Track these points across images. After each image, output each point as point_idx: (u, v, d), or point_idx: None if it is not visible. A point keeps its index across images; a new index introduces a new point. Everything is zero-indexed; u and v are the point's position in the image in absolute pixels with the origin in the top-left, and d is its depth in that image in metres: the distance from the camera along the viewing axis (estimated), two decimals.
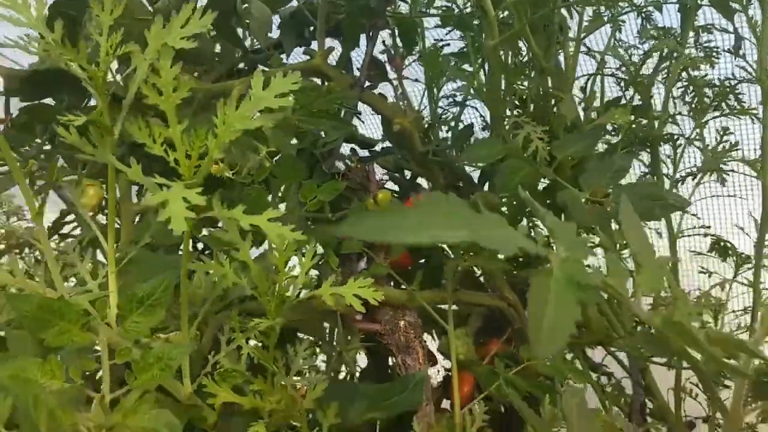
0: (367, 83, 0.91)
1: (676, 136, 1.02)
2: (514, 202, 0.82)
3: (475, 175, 0.97)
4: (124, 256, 0.69)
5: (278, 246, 0.56)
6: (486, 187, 0.95)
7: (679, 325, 0.33)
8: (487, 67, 0.88)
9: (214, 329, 0.64)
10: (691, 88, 1.03)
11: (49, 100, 0.85)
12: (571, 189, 0.75)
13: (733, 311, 1.09)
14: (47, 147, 0.85)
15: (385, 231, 0.29)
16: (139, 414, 0.42)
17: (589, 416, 0.66)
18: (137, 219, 0.82)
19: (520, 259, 1.02)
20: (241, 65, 0.97)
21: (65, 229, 0.99)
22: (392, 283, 0.86)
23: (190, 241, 0.87)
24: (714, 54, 0.98)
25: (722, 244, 1.07)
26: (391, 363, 0.97)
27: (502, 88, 0.85)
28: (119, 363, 0.49)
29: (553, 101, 0.91)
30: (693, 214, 1.03)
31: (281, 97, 0.49)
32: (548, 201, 0.95)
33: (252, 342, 0.59)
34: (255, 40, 0.98)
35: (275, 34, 0.99)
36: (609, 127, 1.02)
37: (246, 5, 0.96)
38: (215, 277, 0.56)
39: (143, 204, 0.43)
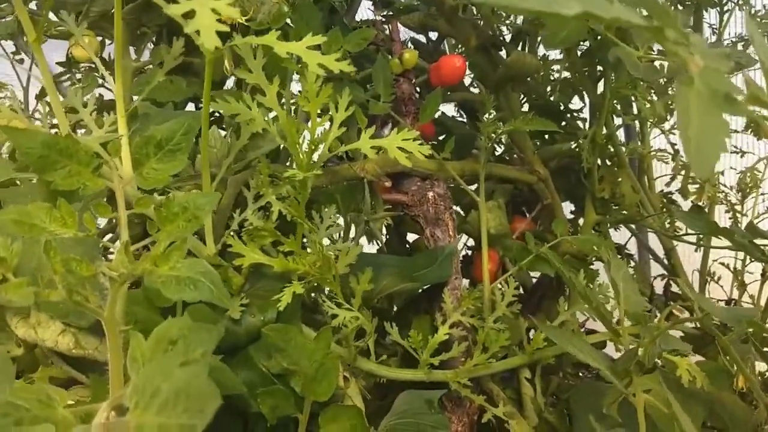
0: None
1: (723, 0, 0.93)
2: None
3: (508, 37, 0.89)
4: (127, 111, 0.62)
5: (311, 87, 0.49)
6: (520, 48, 0.87)
7: None
8: None
9: (235, 189, 0.58)
10: None
11: None
12: (624, 45, 0.68)
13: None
14: None
15: None
16: (171, 261, 0.36)
17: (634, 286, 0.63)
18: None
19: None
20: None
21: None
22: None
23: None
24: None
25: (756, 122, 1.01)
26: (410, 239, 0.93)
27: None
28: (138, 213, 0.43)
29: None
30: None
31: None
32: (586, 68, 0.88)
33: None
34: None
35: None
36: None
37: None
38: (241, 120, 0.49)
39: (167, 12, 0.35)
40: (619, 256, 1.02)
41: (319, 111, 0.52)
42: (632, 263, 1.07)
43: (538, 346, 0.68)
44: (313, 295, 0.59)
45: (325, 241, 0.61)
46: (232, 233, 0.52)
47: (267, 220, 0.51)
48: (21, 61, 1.00)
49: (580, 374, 0.94)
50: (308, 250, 0.55)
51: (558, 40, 0.68)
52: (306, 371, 0.48)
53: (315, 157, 0.51)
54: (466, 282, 0.88)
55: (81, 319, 0.52)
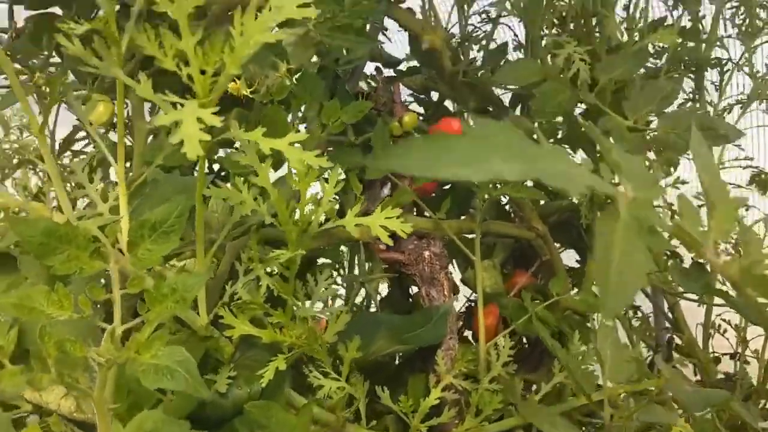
0: None
1: (723, 61, 0.95)
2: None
3: (506, 99, 0.92)
4: (137, 177, 0.65)
5: (299, 172, 0.52)
6: (518, 112, 0.89)
7: (760, 278, 0.28)
8: None
9: (231, 257, 0.61)
10: (743, 9, 0.95)
11: (57, 9, 0.79)
12: (614, 116, 0.70)
13: None
14: (55, 59, 0.81)
15: (437, 165, 0.24)
16: (152, 349, 0.39)
17: (622, 354, 0.64)
18: (151, 138, 0.78)
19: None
20: None
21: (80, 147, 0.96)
22: (415, 211, 0.83)
23: (206, 162, 0.83)
24: None
25: (763, 176, 1.02)
26: (413, 291, 0.94)
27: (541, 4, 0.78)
28: (131, 293, 0.46)
29: (595, 20, 0.84)
30: (736, 145, 0.97)
31: (303, 7, 0.44)
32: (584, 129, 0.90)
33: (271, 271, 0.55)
34: None
35: None
36: (652, 50, 0.95)
37: None
38: (232, 203, 0.52)
39: (154, 123, 0.38)
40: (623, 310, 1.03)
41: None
42: (639, 314, 1.08)
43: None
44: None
45: (319, 305, 0.63)
46: (224, 304, 0.54)
47: (256, 293, 0.54)
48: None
49: None
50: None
51: (547, 112, 0.70)
52: None
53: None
54: (468, 333, 0.90)
55: None
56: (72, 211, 0.48)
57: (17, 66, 0.77)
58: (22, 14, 0.78)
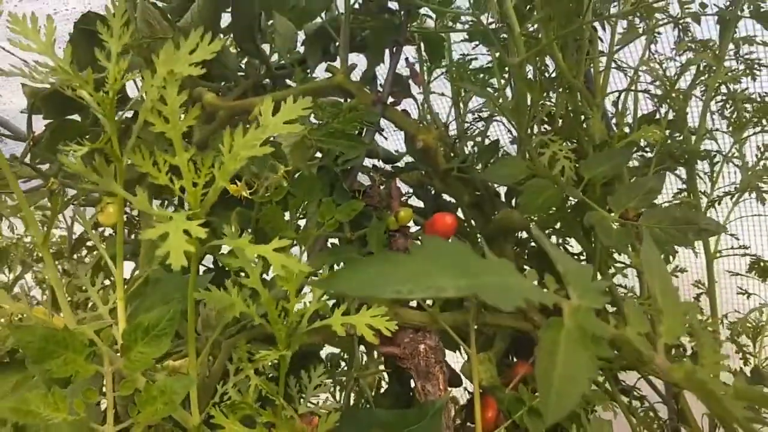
0: (390, 99, 0.89)
1: (713, 153, 0.98)
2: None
3: (503, 190, 0.95)
4: (140, 276, 0.68)
5: (287, 273, 0.54)
6: (513, 204, 0.92)
7: (700, 383, 0.30)
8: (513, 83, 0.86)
9: (226, 355, 0.63)
10: (731, 102, 0.99)
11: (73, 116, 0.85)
12: (600, 210, 0.72)
13: None
14: None
15: (381, 285, 0.27)
16: None
17: None
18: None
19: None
20: (266, 81, 0.97)
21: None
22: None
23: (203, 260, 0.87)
24: (755, 67, 0.94)
25: (762, 264, 1.02)
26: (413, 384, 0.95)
27: (529, 104, 0.82)
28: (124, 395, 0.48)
29: (582, 118, 0.88)
30: (731, 234, 0.99)
31: (291, 123, 0.48)
32: (578, 219, 0.92)
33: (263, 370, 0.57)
34: (280, 56, 0.97)
35: (301, 49, 0.98)
36: (643, 143, 0.98)
37: (271, 21, 0.95)
38: (222, 307, 0.54)
39: (142, 237, 0.41)
40: (627, 399, 1.02)
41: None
42: (645, 404, 1.06)
43: None
44: None
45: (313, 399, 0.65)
46: (215, 404, 0.56)
47: (246, 394, 0.56)
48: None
49: None
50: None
51: (534, 207, 0.73)
52: None
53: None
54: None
55: None
56: (71, 315, 0.51)
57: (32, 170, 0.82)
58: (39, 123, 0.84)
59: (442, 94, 1.03)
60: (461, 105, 1.01)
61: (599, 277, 0.90)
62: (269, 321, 0.56)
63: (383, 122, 0.91)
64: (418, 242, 0.90)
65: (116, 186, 0.48)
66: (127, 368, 0.49)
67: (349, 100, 0.83)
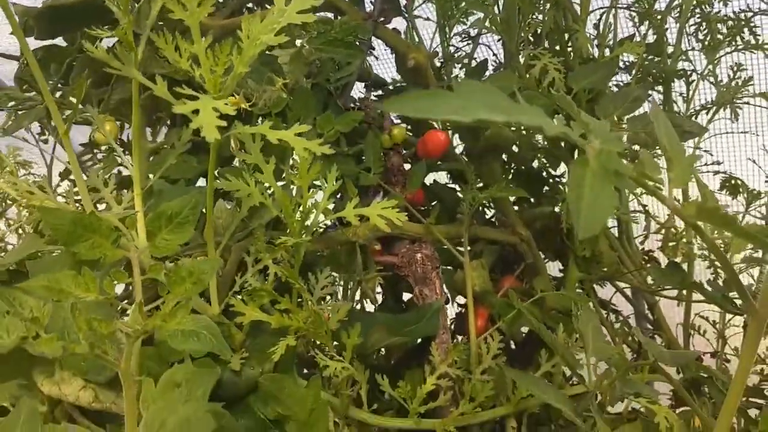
0: (381, 18, 0.90)
1: (688, 72, 1.02)
2: None
3: None
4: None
5: (302, 166, 0.56)
6: None
7: (713, 210, 0.33)
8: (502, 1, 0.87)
9: (238, 256, 0.65)
10: (704, 24, 1.02)
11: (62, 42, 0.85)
12: (587, 115, 0.75)
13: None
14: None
15: (431, 109, 0.29)
16: (177, 317, 0.42)
17: (602, 336, 0.68)
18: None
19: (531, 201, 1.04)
20: (250, 5, 0.97)
21: None
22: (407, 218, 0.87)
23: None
24: None
25: (733, 181, 1.07)
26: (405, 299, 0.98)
27: (517, 21, 0.84)
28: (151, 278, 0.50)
29: (567, 35, 0.90)
30: (705, 151, 1.04)
31: (303, 14, 0.49)
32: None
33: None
34: None
35: None
36: (621, 65, 1.01)
37: None
38: (241, 195, 0.56)
39: (174, 110, 0.43)
40: (605, 312, 1.07)
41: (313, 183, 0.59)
42: (620, 318, 1.12)
43: (522, 395, 0.73)
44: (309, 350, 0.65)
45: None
46: (233, 294, 0.58)
47: (265, 282, 0.58)
48: (45, 141, 1.10)
49: (571, 427, 0.97)
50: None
51: None
52: (299, 417, 0.54)
53: (307, 223, 0.58)
54: (459, 339, 0.94)
55: (100, 375, 0.58)
56: (91, 203, 0.53)
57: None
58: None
59: (428, 19, 1.04)
60: (447, 29, 1.02)
61: None
62: (284, 215, 0.58)
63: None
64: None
65: (136, 72, 0.49)
66: (154, 254, 0.51)
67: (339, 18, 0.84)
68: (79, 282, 0.48)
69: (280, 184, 0.65)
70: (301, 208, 0.57)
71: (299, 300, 0.61)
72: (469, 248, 0.84)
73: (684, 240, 0.98)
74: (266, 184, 0.59)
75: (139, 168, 0.56)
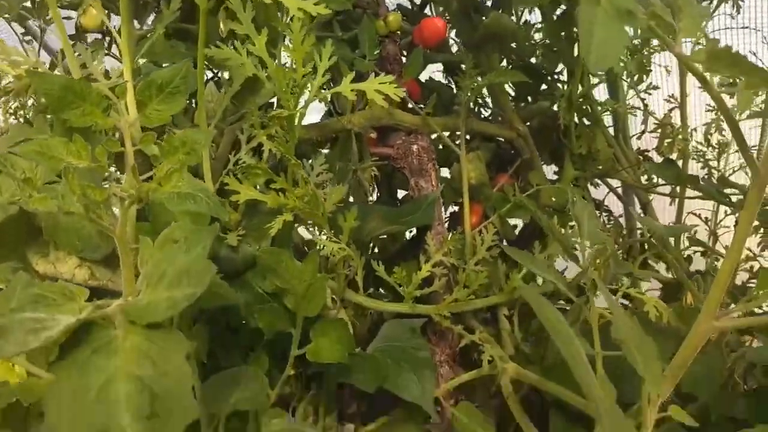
0: None
1: None
2: None
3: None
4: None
5: (296, 37, 0.54)
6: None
7: (724, 51, 0.32)
8: None
9: (231, 137, 0.64)
10: None
11: None
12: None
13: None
14: None
15: None
16: (172, 180, 0.42)
17: (597, 223, 0.68)
18: None
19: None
20: None
21: None
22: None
23: None
24: None
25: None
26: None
27: None
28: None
29: None
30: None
31: None
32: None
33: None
34: None
35: None
36: None
37: None
38: (234, 64, 0.54)
39: None
40: (597, 212, 1.08)
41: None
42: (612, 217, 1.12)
43: (515, 285, 0.74)
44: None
45: None
46: (228, 172, 0.57)
47: (260, 160, 0.57)
48: (29, 42, 1.07)
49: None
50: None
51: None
52: (296, 290, 0.54)
53: (302, 101, 0.56)
54: None
55: (95, 252, 0.57)
56: (79, 71, 0.51)
57: None
58: None
59: None
60: None
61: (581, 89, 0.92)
62: (276, 90, 0.56)
63: None
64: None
65: None
66: (145, 124, 0.50)
67: None
68: (71, 149, 0.46)
69: None
70: (295, 82, 0.55)
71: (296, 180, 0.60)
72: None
73: (680, 137, 0.98)
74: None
75: (128, 53, 0.54)
